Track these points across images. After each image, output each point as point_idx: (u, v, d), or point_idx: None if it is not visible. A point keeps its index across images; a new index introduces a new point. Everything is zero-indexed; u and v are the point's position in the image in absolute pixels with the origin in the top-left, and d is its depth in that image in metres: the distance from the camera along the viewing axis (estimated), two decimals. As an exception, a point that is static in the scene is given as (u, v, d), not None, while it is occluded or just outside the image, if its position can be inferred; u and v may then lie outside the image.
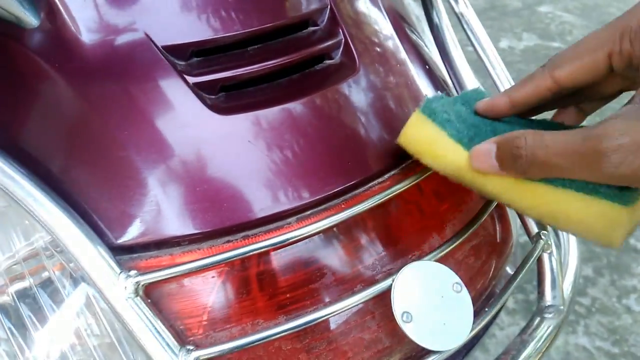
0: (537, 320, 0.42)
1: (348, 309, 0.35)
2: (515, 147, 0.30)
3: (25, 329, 0.35)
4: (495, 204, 0.44)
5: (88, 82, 0.37)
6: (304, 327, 0.34)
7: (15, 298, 0.35)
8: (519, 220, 0.47)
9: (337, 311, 0.35)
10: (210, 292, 0.34)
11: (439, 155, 0.34)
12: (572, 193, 0.29)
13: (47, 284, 0.35)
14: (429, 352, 0.34)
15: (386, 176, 0.39)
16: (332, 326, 0.36)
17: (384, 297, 0.34)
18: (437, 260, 0.36)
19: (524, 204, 0.32)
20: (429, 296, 0.34)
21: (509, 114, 0.35)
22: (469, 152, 0.33)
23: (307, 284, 0.35)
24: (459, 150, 0.33)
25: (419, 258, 0.36)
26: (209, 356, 0.31)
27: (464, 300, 0.34)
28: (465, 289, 0.35)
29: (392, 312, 0.33)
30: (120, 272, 0.32)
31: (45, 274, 0.35)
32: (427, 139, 0.35)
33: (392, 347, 0.36)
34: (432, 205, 0.41)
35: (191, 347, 0.31)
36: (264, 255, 0.35)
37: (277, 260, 0.36)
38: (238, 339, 0.32)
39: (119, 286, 0.31)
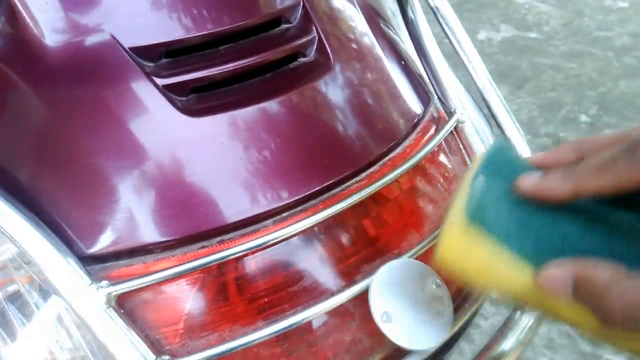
0: (518, 313, 0.42)
1: (327, 311, 0.34)
2: (594, 289, 0.22)
3: (-5, 343, 0.34)
4: None
5: (53, 86, 0.35)
6: (283, 331, 0.34)
7: (-16, 312, 0.34)
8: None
9: (316, 314, 0.34)
10: (186, 300, 0.33)
11: (501, 277, 0.26)
12: None
13: (15, 298, 0.34)
14: (410, 352, 0.34)
15: (364, 174, 0.39)
16: (312, 329, 0.35)
17: (364, 298, 0.34)
18: (416, 258, 0.35)
19: (615, 343, 0.24)
20: (408, 295, 0.33)
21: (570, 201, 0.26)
22: (537, 275, 0.24)
23: (286, 287, 0.35)
24: (524, 269, 0.25)
25: (398, 256, 0.36)
26: (187, 365, 0.31)
27: (444, 298, 0.34)
28: (444, 286, 0.34)
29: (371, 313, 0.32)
30: (91, 283, 0.30)
31: (13, 287, 0.33)
32: (481, 257, 0.26)
33: (372, 348, 0.36)
34: (410, 202, 0.41)
35: (166, 357, 0.30)
36: (241, 259, 0.35)
37: (255, 264, 0.35)
38: (215, 347, 0.32)
39: (90, 298, 0.30)
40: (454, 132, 0.47)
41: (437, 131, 0.45)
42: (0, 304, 0.33)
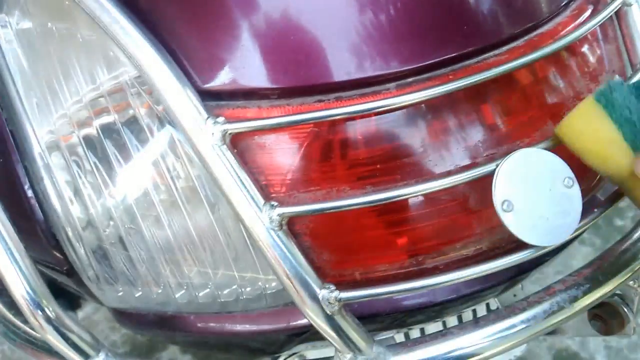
0: None
1: (439, 189, 0.32)
2: None
3: (109, 163, 0.35)
4: None
5: None
6: (386, 201, 0.32)
7: (100, 132, 0.34)
8: None
9: (425, 190, 0.32)
10: (296, 152, 0.32)
11: (608, 158, 0.29)
12: None
13: (131, 122, 0.34)
14: (523, 246, 0.31)
15: (504, 48, 0.34)
16: (418, 206, 0.34)
17: (482, 182, 0.31)
18: (550, 151, 0.31)
19: None
20: (535, 187, 0.30)
21: None
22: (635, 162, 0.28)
23: (399, 157, 0.33)
24: (629, 156, 0.29)
25: (529, 145, 0.32)
26: (292, 215, 0.30)
27: (574, 197, 0.30)
28: (577, 185, 0.31)
29: (492, 199, 0.30)
30: (208, 118, 0.30)
31: (130, 112, 0.34)
32: (598, 138, 0.29)
33: (481, 235, 0.34)
34: (549, 89, 0.36)
35: (275, 204, 0.30)
36: (355, 120, 0.32)
37: (369, 128, 0.33)
38: (322, 202, 0.31)
39: (206, 132, 0.29)
40: (615, 17, 0.39)
41: (595, 11, 0.38)
42: (116, 125, 0.34)
